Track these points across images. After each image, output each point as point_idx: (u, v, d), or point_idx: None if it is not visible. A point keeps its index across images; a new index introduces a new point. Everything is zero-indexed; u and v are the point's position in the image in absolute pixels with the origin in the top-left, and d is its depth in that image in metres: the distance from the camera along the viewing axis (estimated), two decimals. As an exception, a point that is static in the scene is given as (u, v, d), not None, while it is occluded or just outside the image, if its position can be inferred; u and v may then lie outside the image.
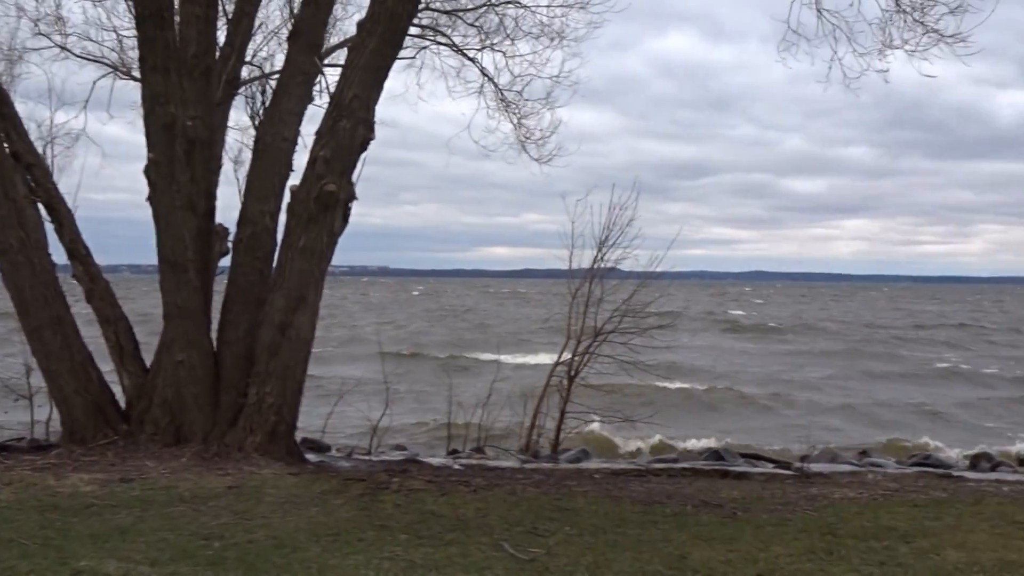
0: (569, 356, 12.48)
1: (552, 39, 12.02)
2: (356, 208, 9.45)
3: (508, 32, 12.00)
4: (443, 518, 7.18)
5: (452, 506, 7.62)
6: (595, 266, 12.63)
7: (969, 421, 19.97)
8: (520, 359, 27.73)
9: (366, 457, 10.66)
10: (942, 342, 43.27)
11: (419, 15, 11.10)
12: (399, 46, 9.40)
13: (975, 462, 12.47)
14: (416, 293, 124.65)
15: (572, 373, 12.39)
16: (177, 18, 9.33)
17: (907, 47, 9.59)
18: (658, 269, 12.61)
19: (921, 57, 9.53)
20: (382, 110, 9.54)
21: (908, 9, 9.46)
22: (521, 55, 12.16)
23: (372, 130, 9.18)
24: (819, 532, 7.08)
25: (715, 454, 11.77)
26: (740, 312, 71.32)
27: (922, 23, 9.46)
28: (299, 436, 10.43)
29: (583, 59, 14.47)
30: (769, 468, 10.72)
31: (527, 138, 12.33)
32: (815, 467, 10.30)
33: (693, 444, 13.98)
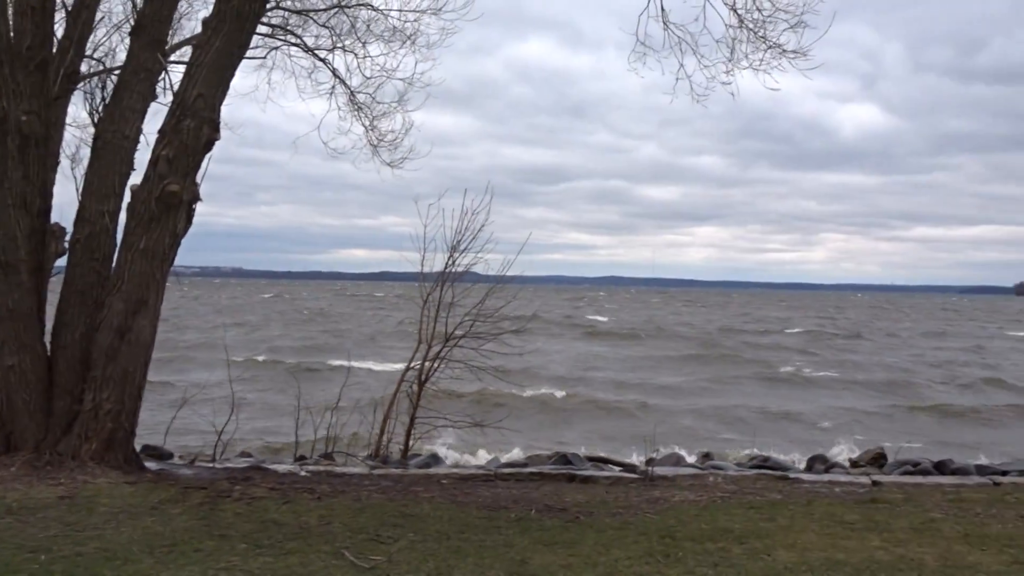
0: (420, 361, 12.44)
1: (404, 42, 11.96)
2: (208, 208, 9.30)
3: (360, 34, 11.90)
4: (285, 526, 7.07)
5: (295, 514, 7.50)
6: (447, 270, 12.63)
7: (809, 424, 20.78)
8: (372, 364, 27.55)
9: (209, 464, 10.38)
10: (789, 347, 44.85)
11: (269, 14, 10.91)
12: (246, 45, 9.21)
13: (811, 464, 12.95)
14: (268, 296, 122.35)
15: (423, 378, 12.36)
16: (11, 9, 8.92)
17: (751, 61, 9.92)
18: (513, 273, 12.66)
19: (765, 71, 9.87)
20: (237, 109, 9.33)
21: (751, 25, 9.78)
22: (373, 57, 12.06)
23: (217, 130, 8.98)
24: (658, 535, 7.24)
25: (563, 458, 11.89)
26: (597, 317, 72.60)
27: (764, 39, 9.80)
28: (140, 443, 10.11)
29: (439, 62, 14.46)
30: (615, 472, 10.89)
31: (379, 141, 12.24)
32: (659, 470, 10.47)
33: (544, 448, 14.14)
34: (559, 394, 23.51)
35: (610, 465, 11.79)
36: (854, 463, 12.78)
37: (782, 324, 69.55)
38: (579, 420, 20.45)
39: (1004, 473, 11.25)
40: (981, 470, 11.68)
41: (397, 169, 12.45)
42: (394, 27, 11.94)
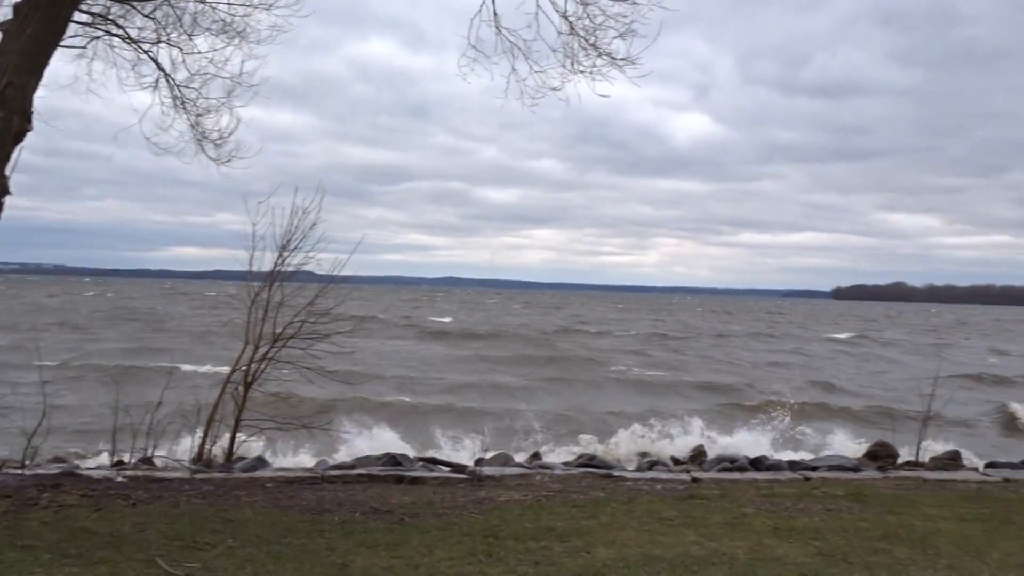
0: (247, 363, 12.13)
1: (233, 38, 11.61)
2: (28, 202, 8.80)
3: (186, 28, 11.48)
4: (96, 535, 6.78)
5: (107, 521, 7.21)
6: (276, 269, 12.35)
7: (639, 421, 21.16)
8: (197, 366, 26.71)
9: (17, 471, 9.85)
10: (626, 350, 45.52)
11: (89, 2, 10.42)
12: (61, 32, 8.77)
13: (640, 464, 13.26)
14: (91, 294, 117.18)
15: (249, 380, 12.05)
16: None
17: (583, 68, 10.06)
18: (349, 273, 12.45)
19: (597, 78, 10.03)
20: (61, 100, 8.89)
21: (582, 33, 9.93)
22: (200, 52, 11.65)
23: (29, 121, 8.51)
24: (482, 535, 7.29)
25: (392, 459, 11.81)
26: (437, 318, 72.22)
27: (595, 46, 9.96)
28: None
29: (275, 59, 14.14)
30: (444, 472, 10.89)
31: (204, 137, 11.84)
32: (488, 470, 10.53)
33: (376, 450, 13.96)
34: (394, 395, 23.38)
35: (440, 466, 11.78)
36: (676, 460, 13.14)
37: (617, 326, 70.94)
38: (413, 421, 20.30)
39: (814, 469, 11.78)
40: (793, 466, 12.20)
41: (224, 167, 12.04)
42: (223, 21, 11.58)
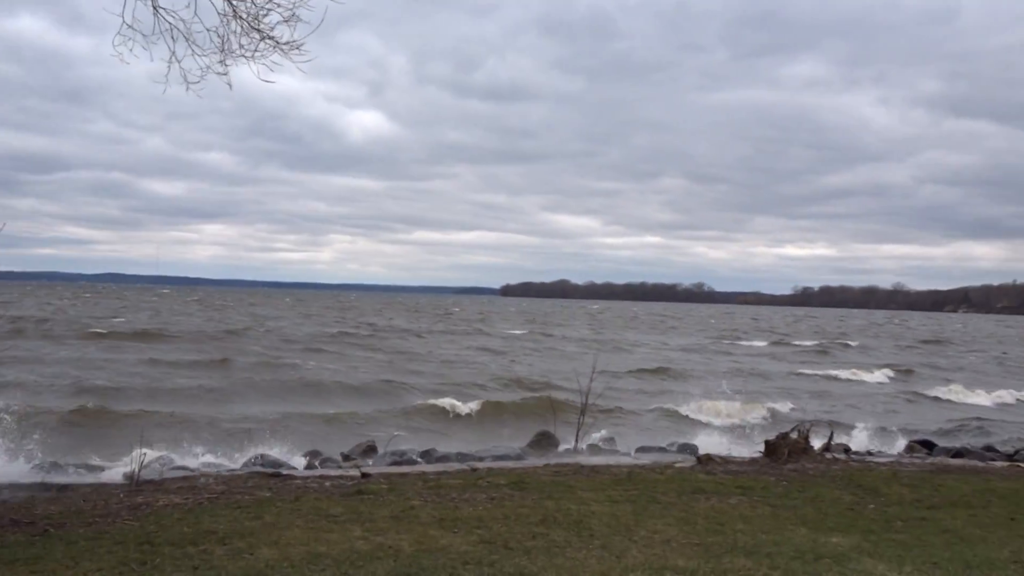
0: None
1: None
2: None
3: None
4: None
5: None
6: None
7: (317, 421, 20.82)
8: None
9: None
10: (306, 349, 44.36)
11: None
12: None
13: (310, 462, 13.07)
14: None
15: None
16: None
17: (245, 52, 9.75)
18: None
19: (261, 63, 9.74)
20: None
21: (244, 16, 9.62)
22: None
23: None
24: (136, 542, 6.89)
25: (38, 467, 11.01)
26: (113, 318, 67.41)
27: (258, 30, 9.68)
28: None
29: None
30: (99, 479, 10.26)
31: None
32: (147, 474, 10.02)
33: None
34: (49, 401, 21.69)
35: (95, 472, 11.09)
36: (346, 456, 13.08)
37: (318, 325, 69.28)
38: (74, 427, 18.97)
39: (481, 460, 12.13)
40: (461, 457, 12.50)
41: None
42: None
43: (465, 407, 22.50)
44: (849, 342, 66.96)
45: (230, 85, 9.92)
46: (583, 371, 17.10)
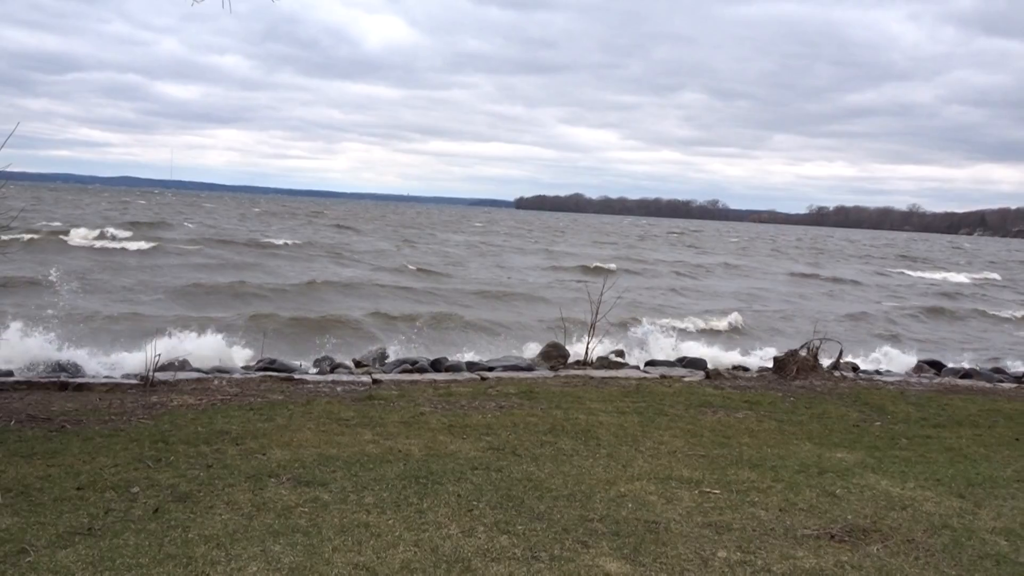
0: None
1: None
2: None
3: None
4: None
5: None
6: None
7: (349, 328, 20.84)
8: None
9: None
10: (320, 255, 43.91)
11: None
12: None
13: (318, 365, 13.18)
14: None
15: None
16: None
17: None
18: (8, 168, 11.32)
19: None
20: None
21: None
22: None
23: None
24: (151, 440, 7.02)
25: (58, 366, 11.14)
26: (133, 218, 65.94)
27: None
28: None
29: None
30: (114, 378, 10.36)
31: None
32: (162, 376, 10.10)
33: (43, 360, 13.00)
34: (60, 302, 21.80)
35: (111, 371, 11.22)
36: (358, 363, 13.17)
37: (315, 231, 68.87)
38: (84, 328, 19.13)
39: (491, 369, 12.22)
40: (471, 367, 12.60)
41: None
42: None
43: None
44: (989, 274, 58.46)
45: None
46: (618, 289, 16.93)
